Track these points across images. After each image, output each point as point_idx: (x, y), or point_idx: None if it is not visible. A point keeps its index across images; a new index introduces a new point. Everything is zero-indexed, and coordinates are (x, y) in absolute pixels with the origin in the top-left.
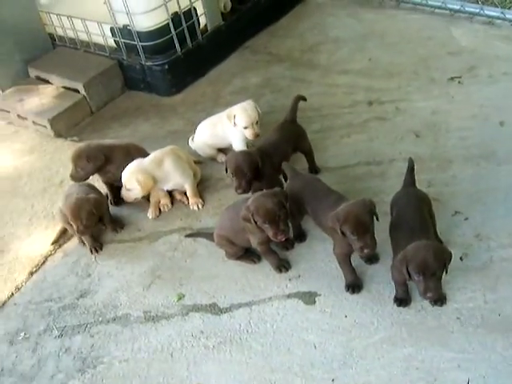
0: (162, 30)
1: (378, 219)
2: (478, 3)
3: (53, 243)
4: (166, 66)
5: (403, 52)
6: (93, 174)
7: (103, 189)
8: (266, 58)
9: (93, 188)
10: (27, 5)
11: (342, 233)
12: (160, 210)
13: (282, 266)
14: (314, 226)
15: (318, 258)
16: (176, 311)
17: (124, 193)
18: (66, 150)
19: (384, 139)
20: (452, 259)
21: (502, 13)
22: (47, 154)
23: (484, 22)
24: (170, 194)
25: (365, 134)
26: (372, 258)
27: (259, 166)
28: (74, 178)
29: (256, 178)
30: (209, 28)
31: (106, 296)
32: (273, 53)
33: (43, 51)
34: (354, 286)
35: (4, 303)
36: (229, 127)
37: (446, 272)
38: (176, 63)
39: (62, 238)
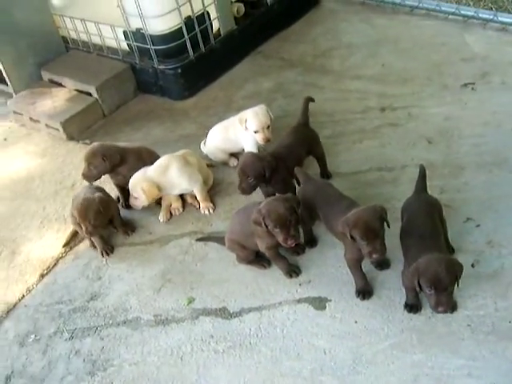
0: (175, 34)
1: (388, 226)
2: (491, 10)
3: (64, 246)
4: (179, 70)
5: (416, 58)
6: (105, 173)
7: (114, 191)
8: (279, 62)
9: (101, 190)
10: (41, 8)
11: (352, 238)
12: (171, 213)
13: (293, 271)
14: (325, 232)
15: (329, 263)
16: (186, 315)
17: (132, 201)
18: (77, 153)
19: (396, 145)
20: (463, 271)
21: None
22: (59, 157)
23: (497, 28)
24: (182, 197)
25: (377, 139)
26: (383, 264)
27: (266, 172)
28: (86, 176)
29: (267, 183)
30: (222, 32)
31: (117, 299)
32: (285, 58)
33: (56, 54)
34: (365, 291)
35: (15, 305)
36: (241, 131)
37: (458, 285)
38: (189, 67)
39: (73, 241)
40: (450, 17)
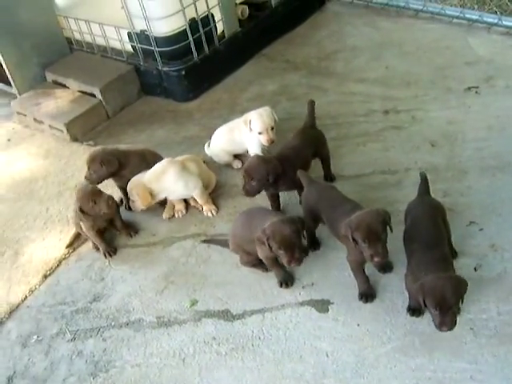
0: (180, 36)
1: (391, 230)
2: (496, 14)
3: (67, 247)
4: (183, 72)
5: (420, 61)
6: (106, 178)
7: (118, 193)
8: (283, 65)
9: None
10: (45, 9)
11: (354, 240)
12: (174, 214)
13: (285, 281)
14: (329, 235)
15: (332, 266)
16: (189, 317)
17: (130, 203)
18: (81, 155)
19: (400, 148)
20: (467, 288)
21: None
22: (63, 158)
23: (502, 32)
24: (185, 199)
25: (380, 142)
26: (386, 267)
27: (270, 177)
28: (87, 180)
29: (274, 186)
30: (226, 34)
31: (119, 300)
32: (289, 60)
33: (60, 55)
34: (367, 295)
35: (17, 306)
36: (245, 132)
37: (462, 302)
38: (193, 69)
39: (76, 242)
40: (455, 20)
